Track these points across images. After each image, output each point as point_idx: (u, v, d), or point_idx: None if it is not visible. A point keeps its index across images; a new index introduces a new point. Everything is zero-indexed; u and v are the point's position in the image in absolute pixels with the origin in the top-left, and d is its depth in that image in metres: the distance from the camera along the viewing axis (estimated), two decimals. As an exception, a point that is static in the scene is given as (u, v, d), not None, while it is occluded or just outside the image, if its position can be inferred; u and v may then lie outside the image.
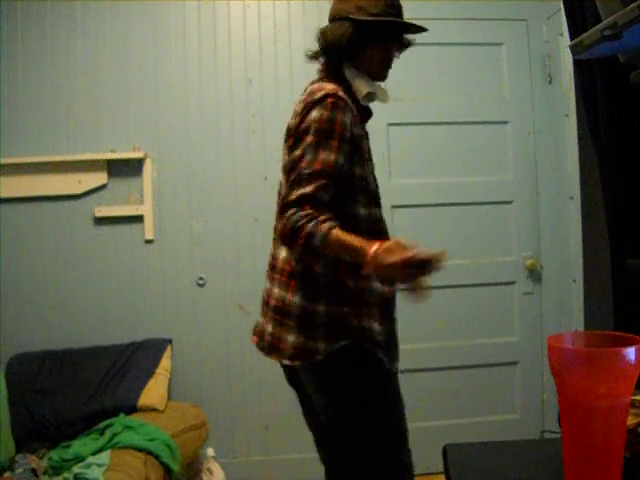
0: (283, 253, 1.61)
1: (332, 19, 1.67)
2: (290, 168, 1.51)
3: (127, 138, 2.89)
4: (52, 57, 2.87)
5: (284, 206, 1.48)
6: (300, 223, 1.44)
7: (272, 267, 1.67)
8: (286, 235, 1.47)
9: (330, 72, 1.64)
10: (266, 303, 1.66)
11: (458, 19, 3.03)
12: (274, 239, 1.69)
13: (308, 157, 1.48)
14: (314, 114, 1.50)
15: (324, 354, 1.52)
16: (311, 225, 1.43)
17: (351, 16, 1.59)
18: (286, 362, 1.57)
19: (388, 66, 1.70)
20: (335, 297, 1.56)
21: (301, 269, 1.57)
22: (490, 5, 3.05)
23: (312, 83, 1.64)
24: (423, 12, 3.00)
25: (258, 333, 1.68)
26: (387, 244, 1.41)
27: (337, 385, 1.58)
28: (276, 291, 1.61)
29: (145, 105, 2.91)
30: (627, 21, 1.08)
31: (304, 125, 1.51)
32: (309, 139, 1.49)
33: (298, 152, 1.50)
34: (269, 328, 1.61)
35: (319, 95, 1.51)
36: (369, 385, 1.60)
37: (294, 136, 1.53)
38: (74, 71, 2.88)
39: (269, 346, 1.61)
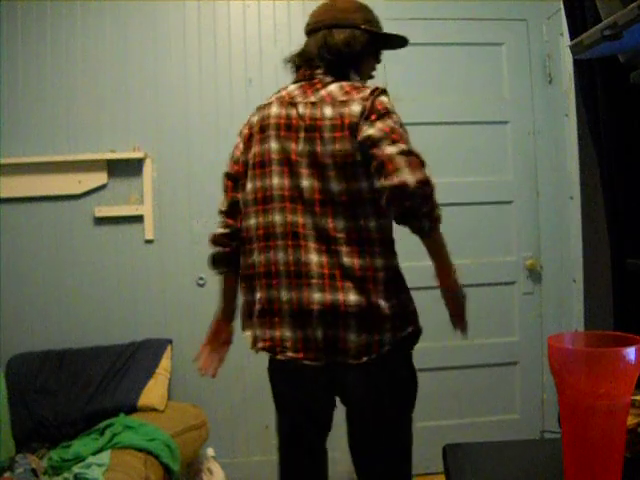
0: (314, 257, 1.55)
1: (334, 26, 1.68)
2: (395, 130, 1.52)
3: (127, 138, 2.89)
4: (52, 57, 2.88)
5: (408, 151, 1.50)
6: (433, 188, 1.52)
7: (299, 274, 1.57)
8: (429, 189, 1.50)
9: (337, 75, 1.66)
10: (299, 312, 1.56)
11: (458, 19, 3.03)
12: (286, 245, 1.60)
13: (404, 134, 1.54)
14: (385, 99, 1.57)
15: (391, 344, 1.56)
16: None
17: (363, 27, 1.68)
18: (351, 361, 1.54)
19: (373, 76, 1.81)
20: (394, 288, 1.59)
21: (357, 266, 1.54)
22: (490, 5, 3.05)
23: (323, 84, 1.63)
24: (423, 12, 3.02)
25: (300, 347, 1.57)
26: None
27: (403, 371, 1.65)
28: (317, 296, 1.54)
29: (145, 105, 2.91)
30: (627, 21, 1.08)
31: (383, 106, 1.55)
32: (395, 117, 1.55)
33: (393, 123, 1.53)
34: (319, 334, 1.54)
35: (377, 87, 1.59)
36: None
37: (380, 111, 1.54)
38: (74, 71, 2.88)
39: (325, 351, 1.55)
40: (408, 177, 1.46)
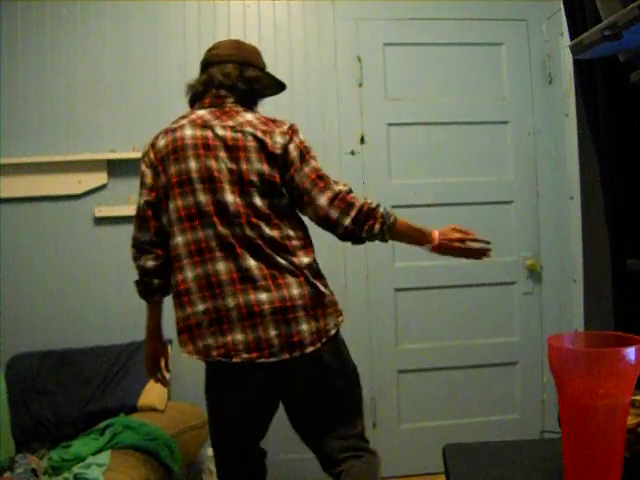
0: (252, 262, 1.68)
1: (246, 63, 1.87)
2: (320, 175, 1.76)
3: (127, 138, 2.89)
4: (52, 57, 2.87)
5: (347, 192, 1.74)
6: (374, 205, 1.73)
7: (243, 279, 1.68)
8: (363, 215, 1.71)
9: (245, 105, 1.85)
10: (248, 315, 1.66)
11: (458, 19, 3.03)
12: (225, 256, 1.69)
13: (322, 169, 1.79)
14: (302, 136, 1.81)
15: (335, 327, 1.76)
16: (382, 208, 1.75)
17: (266, 71, 1.94)
18: (309, 349, 1.68)
19: None
20: (323, 278, 1.80)
21: (291, 264, 1.72)
22: (490, 5, 3.04)
23: (237, 112, 1.80)
24: (423, 12, 3.02)
25: (253, 348, 1.66)
26: (443, 228, 1.82)
27: (345, 349, 1.84)
28: (264, 296, 1.67)
29: (145, 105, 2.91)
30: (627, 21, 1.08)
31: (305, 145, 1.80)
32: (313, 153, 1.80)
33: (315, 163, 1.78)
34: (271, 333, 1.65)
35: (291, 123, 1.81)
36: None
37: (302, 151, 1.78)
38: (74, 71, 2.88)
39: (280, 348, 1.66)
40: (346, 221, 1.72)
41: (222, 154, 1.73)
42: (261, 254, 1.69)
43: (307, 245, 1.79)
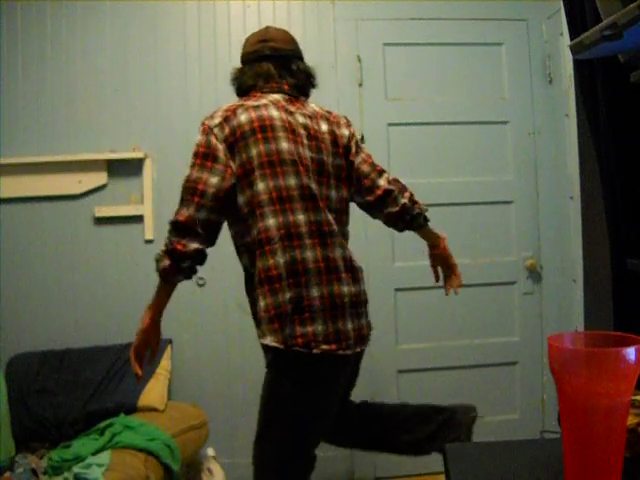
0: (338, 253, 1.72)
1: (300, 58, 1.91)
2: (373, 160, 1.92)
3: (127, 138, 2.89)
4: (52, 57, 2.88)
5: (395, 180, 1.93)
6: (412, 193, 1.95)
7: (329, 269, 1.69)
8: (414, 197, 1.94)
9: (304, 95, 1.92)
10: (331, 306, 1.65)
11: (458, 19, 3.03)
12: (314, 244, 1.67)
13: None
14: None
15: None
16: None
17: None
18: (367, 343, 1.80)
19: None
20: None
21: (352, 258, 1.78)
22: (490, 5, 3.05)
23: (302, 101, 1.87)
24: (423, 12, 3.02)
25: (332, 340, 1.65)
26: None
27: None
28: (345, 289, 1.71)
29: (145, 105, 2.91)
30: (627, 21, 1.08)
31: (357, 134, 1.97)
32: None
33: (367, 150, 1.96)
34: (349, 325, 1.70)
35: (346, 117, 1.96)
36: None
37: (357, 140, 1.93)
38: (74, 71, 2.88)
39: (355, 341, 1.72)
40: (404, 200, 1.90)
41: (306, 142, 1.74)
42: (341, 246, 1.73)
43: (347, 240, 1.88)
